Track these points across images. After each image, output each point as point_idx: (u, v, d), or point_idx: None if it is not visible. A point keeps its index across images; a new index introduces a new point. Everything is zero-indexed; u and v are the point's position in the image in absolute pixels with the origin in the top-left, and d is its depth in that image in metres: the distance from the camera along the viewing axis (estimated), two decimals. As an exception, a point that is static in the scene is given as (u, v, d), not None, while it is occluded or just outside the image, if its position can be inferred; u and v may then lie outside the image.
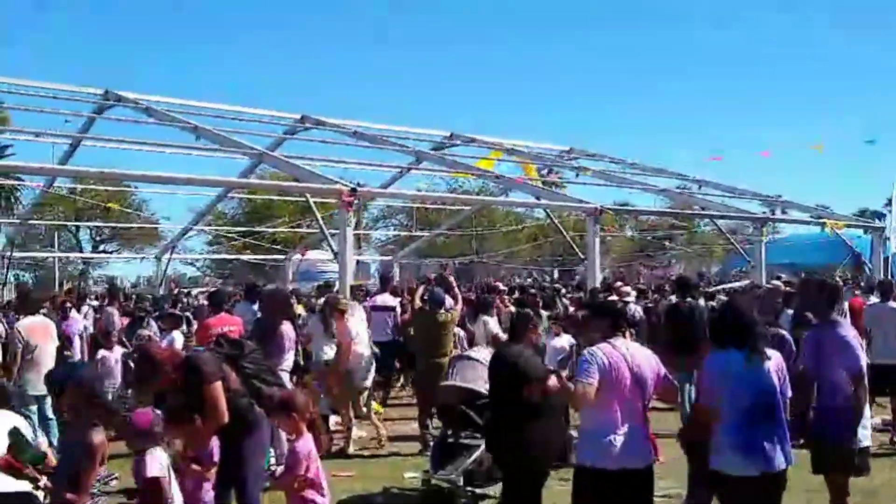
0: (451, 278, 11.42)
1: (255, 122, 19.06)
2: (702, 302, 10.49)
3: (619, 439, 4.67)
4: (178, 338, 10.85)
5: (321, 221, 13.18)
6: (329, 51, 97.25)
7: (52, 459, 4.66)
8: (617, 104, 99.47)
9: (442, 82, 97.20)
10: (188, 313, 13.73)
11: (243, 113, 18.97)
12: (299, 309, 13.07)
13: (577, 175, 20.70)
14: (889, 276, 17.54)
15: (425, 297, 10.18)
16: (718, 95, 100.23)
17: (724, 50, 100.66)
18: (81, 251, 41.27)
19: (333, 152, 18.31)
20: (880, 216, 20.16)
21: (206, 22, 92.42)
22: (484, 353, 7.26)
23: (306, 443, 4.93)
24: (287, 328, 8.64)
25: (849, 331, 5.91)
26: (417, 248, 29.45)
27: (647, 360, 4.89)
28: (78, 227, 39.54)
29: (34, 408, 8.97)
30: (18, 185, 34.13)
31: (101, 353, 10.77)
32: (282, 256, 25.98)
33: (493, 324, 10.56)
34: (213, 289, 17.16)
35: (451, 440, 7.14)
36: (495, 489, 6.68)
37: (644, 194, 27.51)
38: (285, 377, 8.54)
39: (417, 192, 26.75)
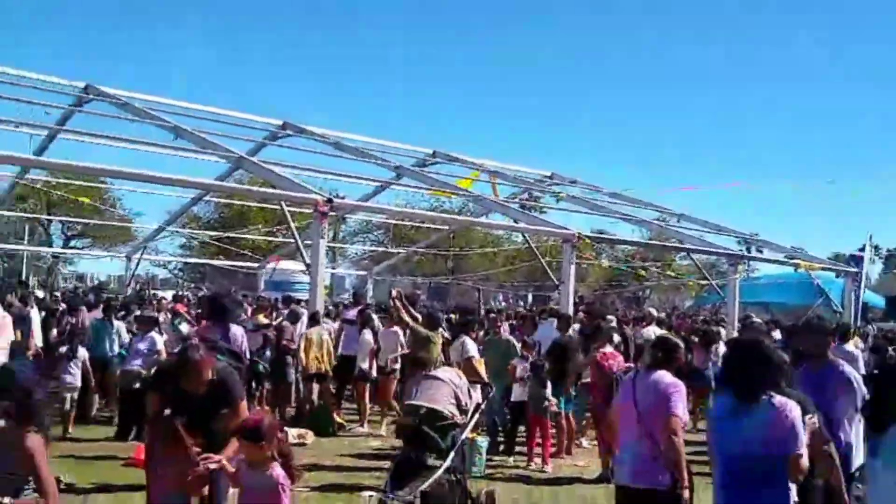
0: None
1: (236, 125, 18.82)
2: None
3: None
4: (158, 340, 10.75)
5: (295, 231, 12.97)
6: (314, 58, 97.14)
7: None
8: (598, 132, 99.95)
9: (428, 99, 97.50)
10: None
11: (224, 115, 18.71)
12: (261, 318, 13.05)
13: (557, 201, 20.64)
14: (861, 321, 17.63)
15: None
16: (697, 135, 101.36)
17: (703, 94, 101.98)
18: (52, 246, 40.58)
19: (313, 161, 18.09)
20: (856, 261, 20.18)
21: (193, 22, 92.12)
22: (451, 374, 7.10)
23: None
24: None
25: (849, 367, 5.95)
26: (392, 265, 29.23)
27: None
28: (49, 221, 38.93)
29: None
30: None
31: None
32: (255, 264, 25.68)
33: (470, 345, 10.45)
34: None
35: (410, 460, 6.94)
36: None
37: (622, 224, 27.51)
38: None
39: (396, 208, 26.53)
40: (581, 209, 20.05)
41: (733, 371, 4.58)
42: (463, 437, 6.85)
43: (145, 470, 5.40)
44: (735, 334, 13.38)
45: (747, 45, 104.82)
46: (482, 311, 19.57)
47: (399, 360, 11.62)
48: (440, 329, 10.91)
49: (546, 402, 9.80)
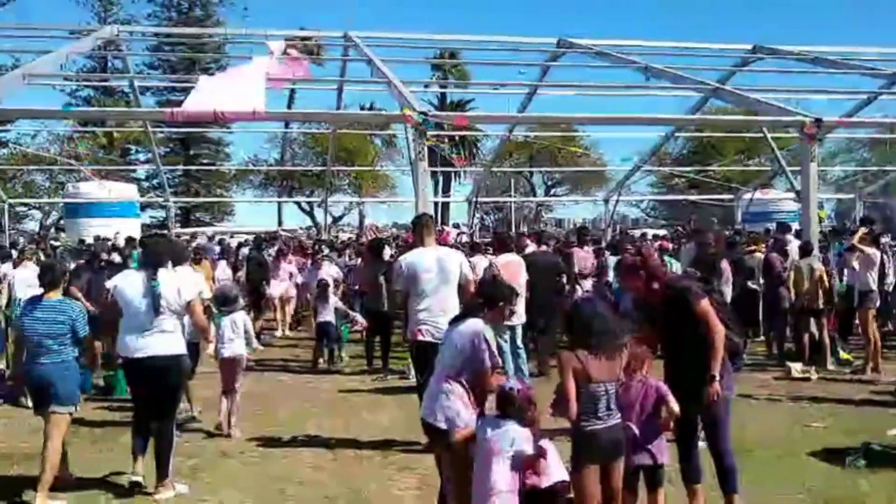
0: None
1: (704, 56, 18.51)
2: None
3: None
4: None
5: (780, 157, 12.36)
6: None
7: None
8: None
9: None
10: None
11: (691, 49, 18.50)
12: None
13: None
14: None
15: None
16: None
17: None
18: (535, 195, 44.23)
19: (785, 82, 17.05)
20: None
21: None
22: None
23: None
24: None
25: None
26: (886, 184, 26.23)
27: None
28: (532, 173, 42.37)
29: (507, 336, 9.83)
30: (480, 135, 37.57)
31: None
32: (729, 196, 25.11)
33: None
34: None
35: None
36: None
37: None
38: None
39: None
40: None
41: None
42: None
43: None
44: None
45: None
46: None
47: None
48: None
49: None
